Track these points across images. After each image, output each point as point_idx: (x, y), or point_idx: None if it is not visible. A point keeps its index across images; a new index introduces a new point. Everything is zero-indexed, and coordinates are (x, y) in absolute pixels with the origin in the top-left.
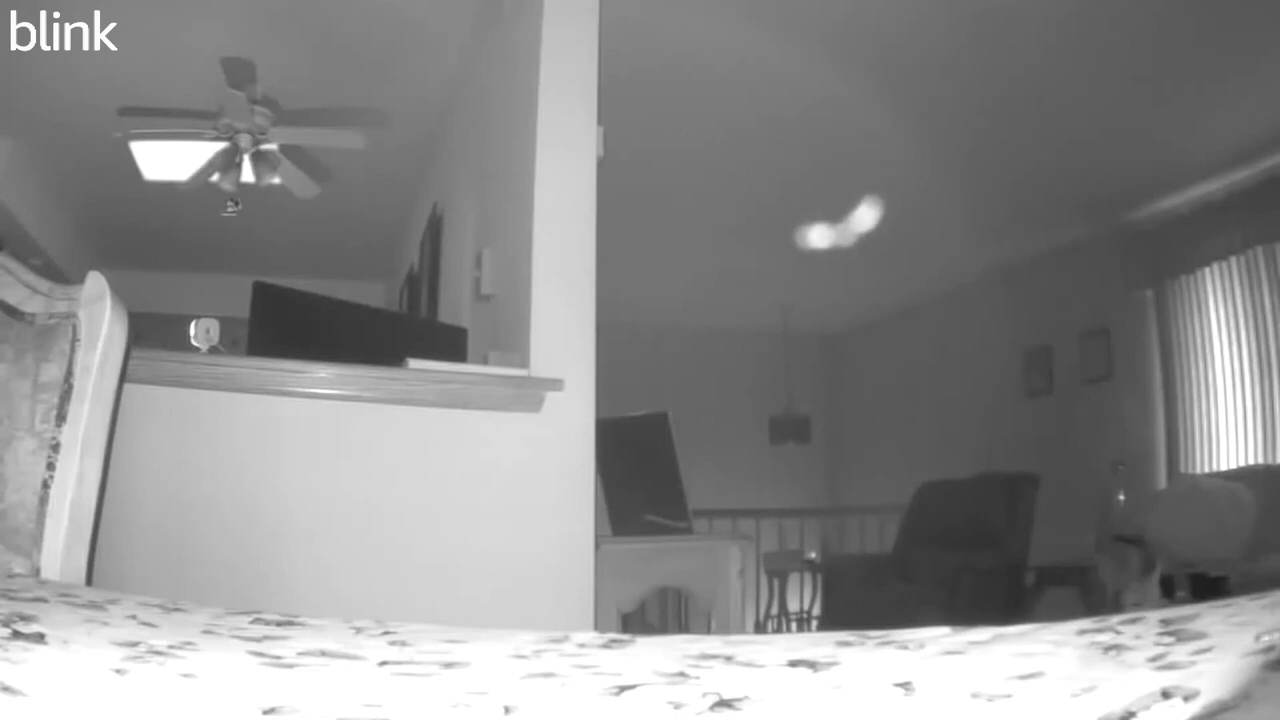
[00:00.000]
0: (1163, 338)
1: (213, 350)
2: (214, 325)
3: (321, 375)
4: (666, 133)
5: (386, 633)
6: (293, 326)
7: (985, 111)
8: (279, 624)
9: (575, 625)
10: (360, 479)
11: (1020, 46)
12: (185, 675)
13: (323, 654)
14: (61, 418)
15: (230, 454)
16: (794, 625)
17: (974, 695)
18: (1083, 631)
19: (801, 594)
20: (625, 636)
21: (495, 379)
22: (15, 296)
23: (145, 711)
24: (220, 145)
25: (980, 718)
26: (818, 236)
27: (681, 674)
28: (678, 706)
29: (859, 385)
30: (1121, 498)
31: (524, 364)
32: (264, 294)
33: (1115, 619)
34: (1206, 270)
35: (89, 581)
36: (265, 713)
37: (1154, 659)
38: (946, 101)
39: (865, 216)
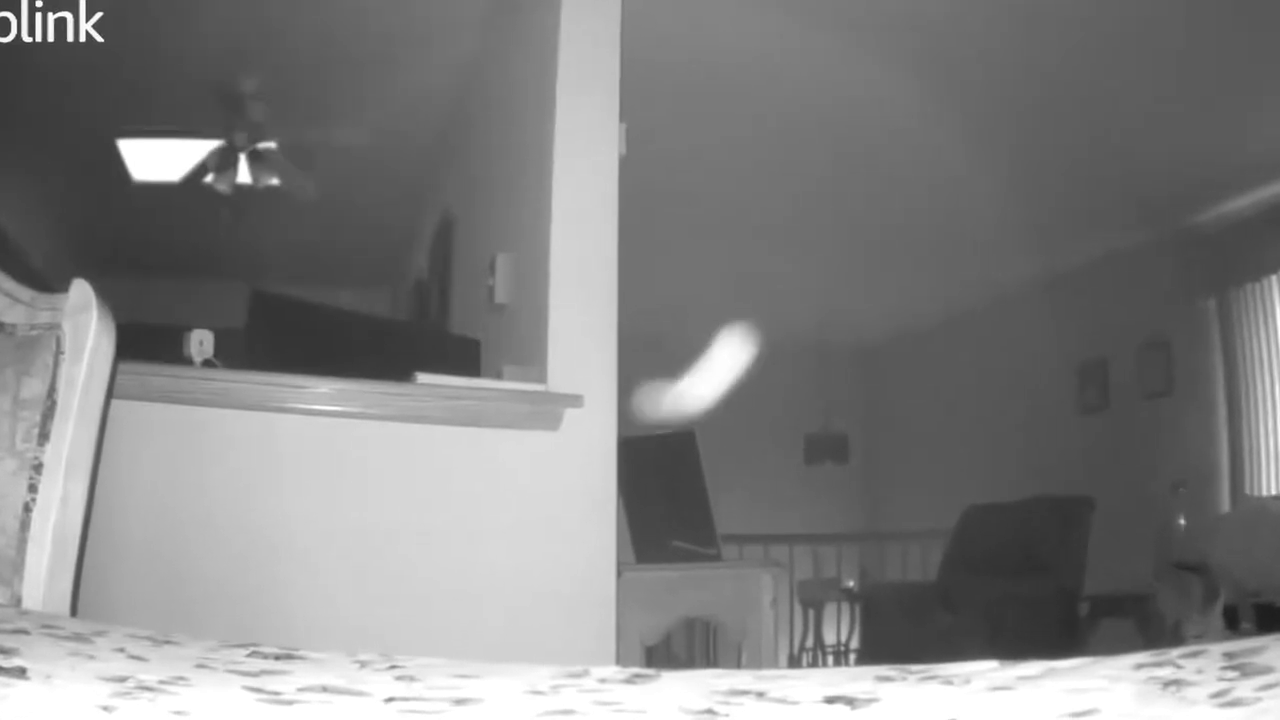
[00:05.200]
0: (1226, 350)
1: (207, 364)
2: (208, 337)
3: (323, 390)
4: (692, 129)
5: (393, 666)
6: (292, 338)
7: (1034, 106)
8: (277, 657)
9: (596, 659)
10: (365, 502)
11: (1070, 36)
12: (177, 713)
13: (324, 690)
14: (44, 436)
15: (226, 475)
16: (830, 659)
17: None
18: (1140, 665)
19: (839, 625)
20: (649, 671)
21: (510, 394)
22: None
23: None
24: (215, 144)
25: None
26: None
27: (710, 711)
28: None
29: (900, 401)
30: (1182, 522)
31: (541, 378)
32: (262, 303)
33: (1175, 652)
34: (1274, 277)
35: (74, 612)
36: None
37: (1217, 695)
38: (992, 95)
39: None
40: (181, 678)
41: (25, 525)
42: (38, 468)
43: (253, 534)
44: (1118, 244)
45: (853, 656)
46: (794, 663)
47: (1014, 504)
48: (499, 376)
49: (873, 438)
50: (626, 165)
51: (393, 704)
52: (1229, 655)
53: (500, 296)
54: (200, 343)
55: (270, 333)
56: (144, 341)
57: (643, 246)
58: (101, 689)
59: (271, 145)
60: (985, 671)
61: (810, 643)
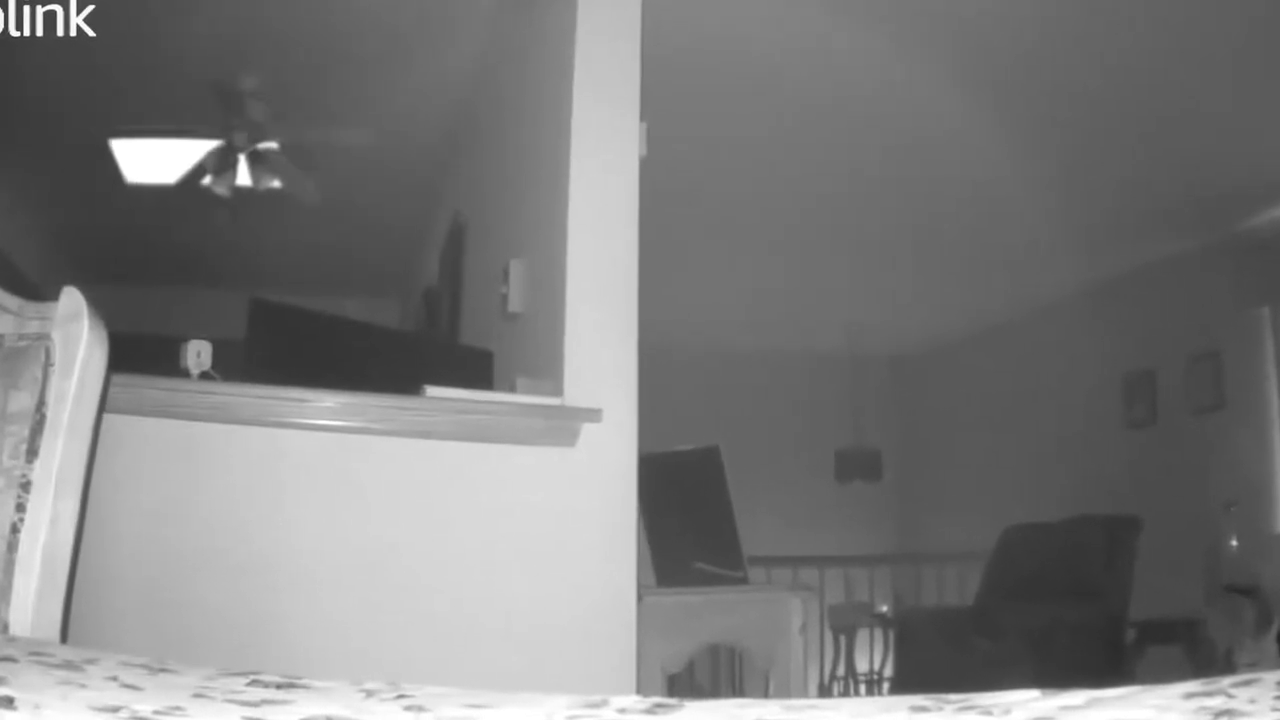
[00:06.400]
0: None
1: (204, 376)
2: (206, 348)
3: (327, 404)
4: (714, 126)
5: (401, 696)
6: (295, 349)
7: (1078, 105)
8: (279, 686)
9: (615, 688)
10: (371, 521)
11: (1118, 29)
12: None
13: None
14: (33, 452)
15: (224, 493)
16: (863, 688)
17: None
18: (1190, 695)
19: (871, 653)
20: (672, 701)
21: (524, 409)
22: None
23: None
24: (213, 144)
25: None
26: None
27: None
28: None
29: (936, 415)
30: (1234, 543)
31: (557, 392)
32: (263, 312)
33: (1227, 681)
34: None
35: (64, 638)
36: None
37: None
38: (1034, 93)
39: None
40: (178, 708)
41: (13, 546)
42: (26, 486)
43: (253, 555)
44: (1166, 249)
45: (886, 685)
46: (824, 692)
47: (1056, 524)
48: (512, 389)
49: (907, 454)
50: (646, 166)
51: None
52: None
53: (514, 305)
54: (198, 354)
55: (271, 343)
56: (138, 353)
57: (664, 252)
58: None
59: (272, 146)
60: (1026, 701)
61: (841, 671)
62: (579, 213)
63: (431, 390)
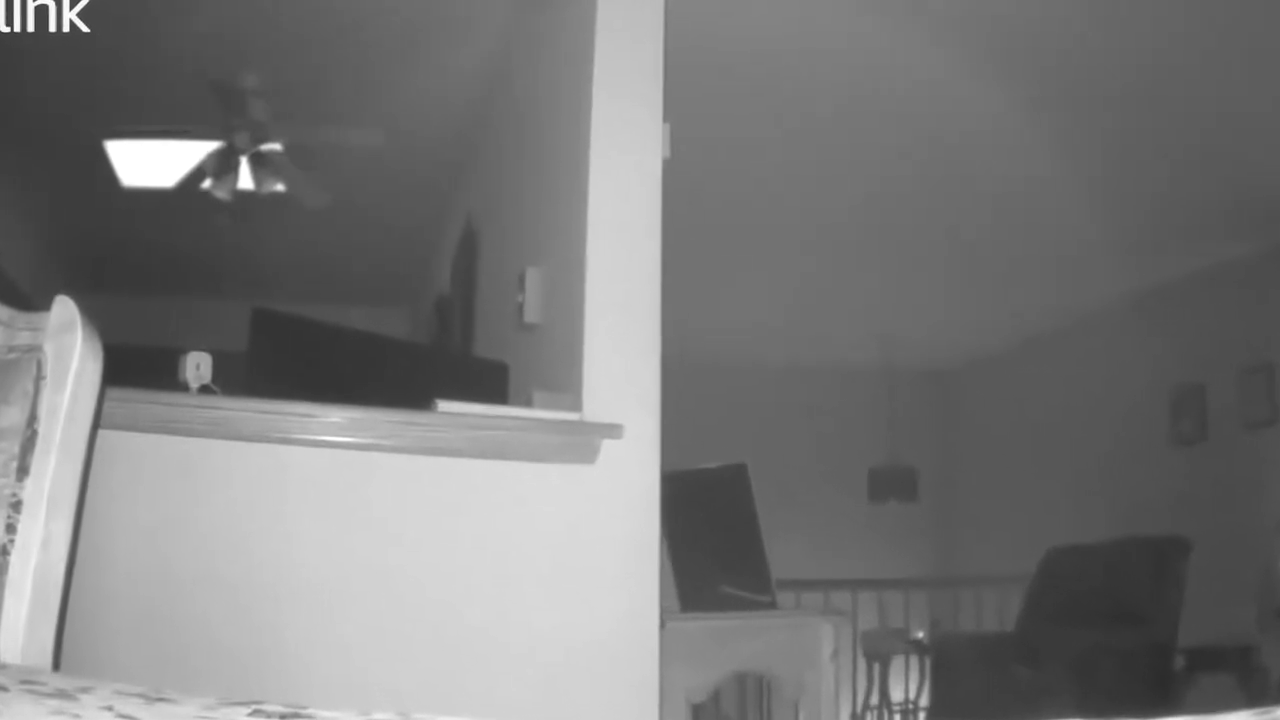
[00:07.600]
0: None
1: (204, 390)
2: (206, 360)
3: (334, 420)
4: (737, 126)
5: None
6: (300, 361)
7: (1125, 102)
8: (283, 716)
9: (636, 718)
10: (380, 542)
11: (1169, 21)
12: None
13: None
14: (24, 470)
15: (225, 513)
16: (897, 718)
17: None
18: None
19: (906, 681)
20: None
21: (541, 424)
22: None
23: None
24: (213, 145)
25: None
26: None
27: None
28: None
29: (975, 431)
30: None
31: (575, 406)
32: (265, 322)
33: None
34: None
35: (56, 665)
36: None
37: None
38: (1080, 89)
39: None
40: None
41: (3, 569)
42: (16, 505)
43: (255, 578)
44: (1216, 256)
45: (922, 715)
46: None
47: (1101, 546)
48: (529, 404)
49: (944, 472)
50: (669, 169)
51: None
52: None
53: (530, 315)
54: (197, 366)
55: (274, 355)
56: (135, 365)
57: (688, 259)
58: None
59: (276, 147)
60: None
61: (875, 700)
62: (599, 218)
63: (443, 405)
